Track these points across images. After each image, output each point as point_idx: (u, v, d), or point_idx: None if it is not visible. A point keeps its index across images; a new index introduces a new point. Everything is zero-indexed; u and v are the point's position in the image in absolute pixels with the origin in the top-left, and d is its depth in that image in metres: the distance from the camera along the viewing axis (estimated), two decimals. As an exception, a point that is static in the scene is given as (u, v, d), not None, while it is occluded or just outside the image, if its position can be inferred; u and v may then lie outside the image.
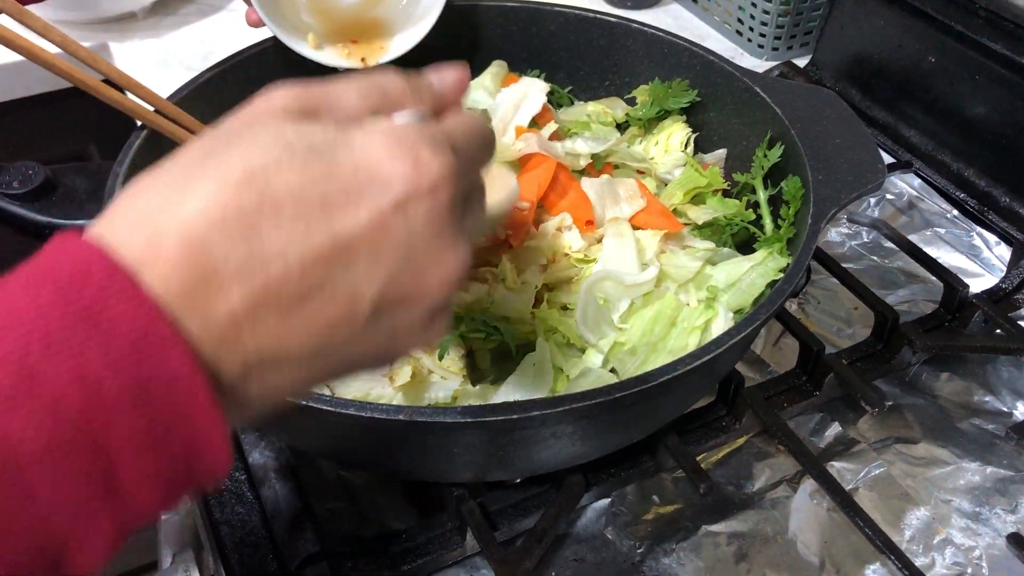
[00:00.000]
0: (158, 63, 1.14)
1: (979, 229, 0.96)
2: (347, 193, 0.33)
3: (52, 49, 0.63)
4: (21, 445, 0.27)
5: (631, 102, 0.88)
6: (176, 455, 0.31)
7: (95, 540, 0.30)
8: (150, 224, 0.31)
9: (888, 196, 1.01)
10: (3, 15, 0.69)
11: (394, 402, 0.63)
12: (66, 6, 1.16)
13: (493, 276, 0.67)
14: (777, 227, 0.71)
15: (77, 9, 1.18)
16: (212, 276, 0.31)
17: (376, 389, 0.64)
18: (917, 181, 1.02)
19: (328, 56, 0.80)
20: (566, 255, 0.69)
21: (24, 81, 1.15)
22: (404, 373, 0.64)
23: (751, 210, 0.74)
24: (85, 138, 1.27)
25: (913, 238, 0.95)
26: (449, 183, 0.34)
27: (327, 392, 0.66)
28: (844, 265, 0.89)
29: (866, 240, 0.98)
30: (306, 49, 0.79)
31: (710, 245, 0.73)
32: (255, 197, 0.31)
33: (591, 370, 0.62)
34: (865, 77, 1.10)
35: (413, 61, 0.86)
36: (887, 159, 1.03)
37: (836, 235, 0.98)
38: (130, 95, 0.69)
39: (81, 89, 0.64)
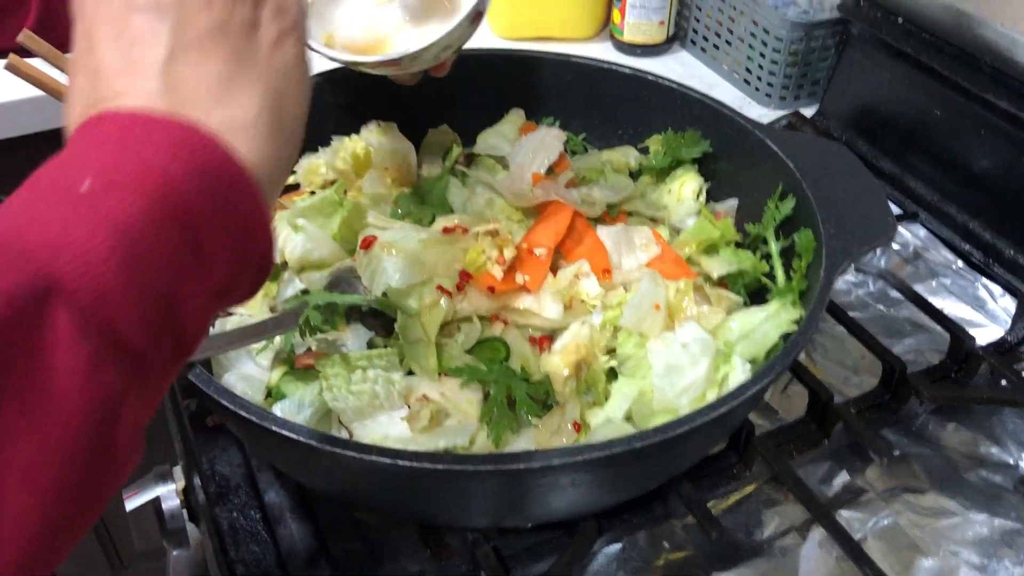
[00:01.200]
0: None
1: (984, 280, 0.97)
2: None
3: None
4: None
5: (644, 151, 0.90)
6: (235, 228, 0.40)
7: (195, 300, 0.39)
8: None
9: (894, 246, 1.03)
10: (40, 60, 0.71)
11: (411, 445, 0.64)
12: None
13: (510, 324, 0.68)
14: (789, 279, 0.72)
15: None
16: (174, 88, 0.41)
17: (395, 432, 0.65)
18: (923, 232, 1.03)
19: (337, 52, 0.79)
20: (582, 301, 0.71)
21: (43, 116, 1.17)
22: (423, 416, 0.65)
23: (764, 261, 0.76)
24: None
25: (919, 288, 0.96)
26: None
27: (345, 435, 0.67)
28: (851, 313, 0.91)
29: (872, 289, 0.99)
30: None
31: (732, 297, 0.74)
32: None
33: (611, 421, 0.63)
34: (872, 128, 1.13)
35: (432, 101, 0.88)
36: (893, 209, 1.05)
37: (843, 283, 1.00)
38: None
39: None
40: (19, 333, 0.33)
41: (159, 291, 0.37)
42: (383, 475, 0.56)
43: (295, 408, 0.68)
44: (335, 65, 0.85)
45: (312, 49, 0.73)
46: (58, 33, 0.77)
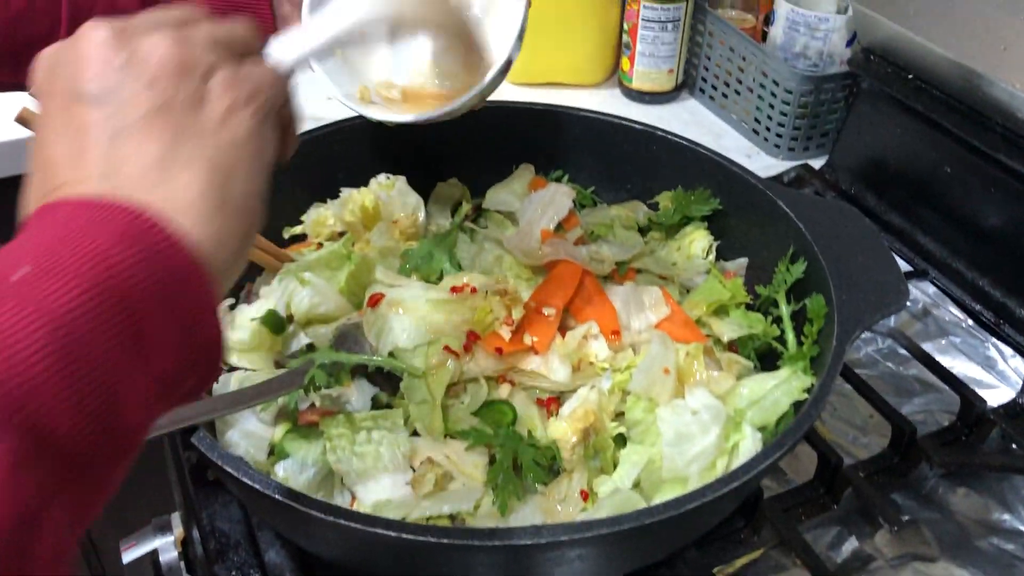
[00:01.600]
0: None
1: (994, 340, 0.97)
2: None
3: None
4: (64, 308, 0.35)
5: (653, 206, 0.90)
6: (179, 314, 0.39)
7: (137, 394, 0.37)
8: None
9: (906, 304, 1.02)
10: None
11: (415, 512, 0.63)
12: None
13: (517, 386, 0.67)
14: (800, 344, 0.71)
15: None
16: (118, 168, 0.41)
17: (398, 495, 0.64)
18: (932, 289, 1.03)
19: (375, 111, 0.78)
20: (591, 363, 0.70)
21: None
22: (427, 481, 0.64)
23: (774, 325, 0.75)
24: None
25: (928, 346, 0.96)
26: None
27: (348, 497, 0.66)
28: (861, 371, 0.90)
29: (882, 346, 0.98)
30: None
31: (743, 362, 0.74)
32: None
33: (619, 490, 0.62)
34: (881, 182, 1.12)
35: (441, 154, 0.88)
36: (903, 266, 1.05)
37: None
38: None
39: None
40: None
41: (96, 384, 0.35)
42: (387, 545, 0.55)
43: (298, 468, 0.67)
44: (350, 114, 0.85)
45: (348, 107, 0.72)
46: None
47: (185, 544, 0.84)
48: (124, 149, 0.42)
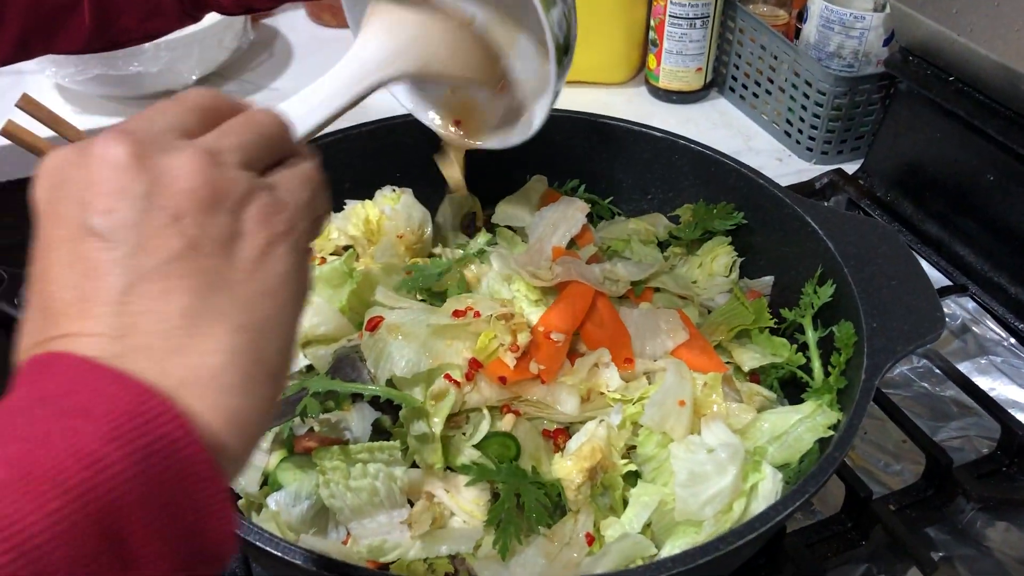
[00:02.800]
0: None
1: (1038, 361, 0.91)
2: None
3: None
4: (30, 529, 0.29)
5: (674, 219, 0.85)
6: (185, 524, 0.33)
7: None
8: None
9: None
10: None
11: (412, 552, 0.60)
12: (110, 83, 1.16)
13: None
14: (827, 374, 0.67)
15: (121, 86, 1.18)
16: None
17: (393, 536, 0.60)
18: (972, 304, 0.97)
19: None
20: (601, 394, 0.66)
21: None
22: (424, 520, 0.60)
23: (800, 353, 0.70)
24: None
25: (966, 366, 0.90)
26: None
27: (343, 532, 0.63)
28: (893, 392, 0.85)
29: (917, 366, 0.93)
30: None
31: (766, 393, 0.69)
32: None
33: (628, 535, 0.58)
34: (918, 189, 1.07)
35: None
36: (940, 280, 0.99)
37: (885, 358, 0.94)
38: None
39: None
40: None
41: None
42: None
43: (291, 500, 0.64)
44: (354, 122, 0.82)
45: (437, 132, 0.69)
46: (117, 34, 0.77)
47: None
48: (141, 302, 0.35)
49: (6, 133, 0.64)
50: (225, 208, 0.36)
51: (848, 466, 0.76)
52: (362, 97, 0.52)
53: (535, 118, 0.65)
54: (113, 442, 0.31)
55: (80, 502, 0.30)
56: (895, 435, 0.85)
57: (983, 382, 0.88)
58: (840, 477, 0.75)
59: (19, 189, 1.22)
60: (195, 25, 0.87)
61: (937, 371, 0.91)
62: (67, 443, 0.31)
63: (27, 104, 0.65)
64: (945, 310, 0.97)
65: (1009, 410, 0.83)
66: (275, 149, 0.40)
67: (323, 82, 0.51)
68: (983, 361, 0.93)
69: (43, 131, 0.77)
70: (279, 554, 0.50)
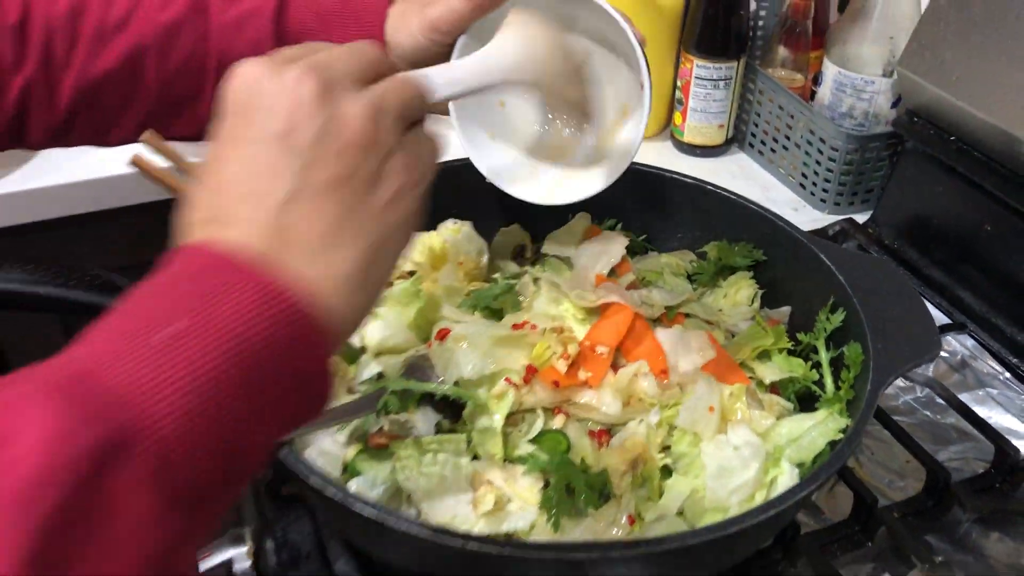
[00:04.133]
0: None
1: (1031, 393, 1.00)
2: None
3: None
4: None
5: (702, 255, 0.95)
6: (300, 383, 0.44)
7: (254, 447, 0.43)
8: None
9: (943, 354, 1.06)
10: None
11: (476, 528, 0.69)
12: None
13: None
14: (837, 388, 0.76)
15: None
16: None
17: (461, 514, 0.70)
18: (971, 342, 1.06)
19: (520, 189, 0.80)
20: (640, 399, 0.76)
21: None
22: (487, 501, 0.69)
23: (814, 370, 0.80)
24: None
25: (965, 396, 0.99)
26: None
27: (415, 513, 0.72)
28: (899, 418, 0.94)
29: (920, 395, 1.02)
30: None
31: (783, 403, 0.79)
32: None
33: (664, 516, 0.67)
34: (923, 238, 1.17)
35: (503, 202, 0.94)
36: (942, 319, 1.09)
37: (892, 389, 1.03)
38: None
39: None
40: (92, 488, 0.36)
41: (220, 443, 0.40)
42: (453, 555, 0.61)
43: (369, 485, 0.73)
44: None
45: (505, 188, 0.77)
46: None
47: (256, 555, 0.91)
48: (298, 209, 0.45)
49: (134, 163, 0.74)
50: (376, 155, 0.47)
51: (857, 478, 0.85)
52: (487, 87, 0.60)
53: (617, 170, 0.75)
54: (256, 324, 0.41)
55: (232, 363, 0.40)
56: (900, 456, 0.94)
57: (981, 411, 0.97)
58: (849, 487, 0.84)
59: (140, 213, 1.35)
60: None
61: (939, 400, 1.00)
62: (222, 320, 0.41)
63: (151, 139, 0.76)
64: (947, 347, 1.07)
65: (1004, 435, 0.92)
66: (416, 112, 0.51)
67: (462, 64, 0.59)
68: (981, 393, 1.02)
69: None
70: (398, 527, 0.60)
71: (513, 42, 0.61)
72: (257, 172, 0.45)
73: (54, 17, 0.78)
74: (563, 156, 0.76)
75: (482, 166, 0.75)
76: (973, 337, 1.07)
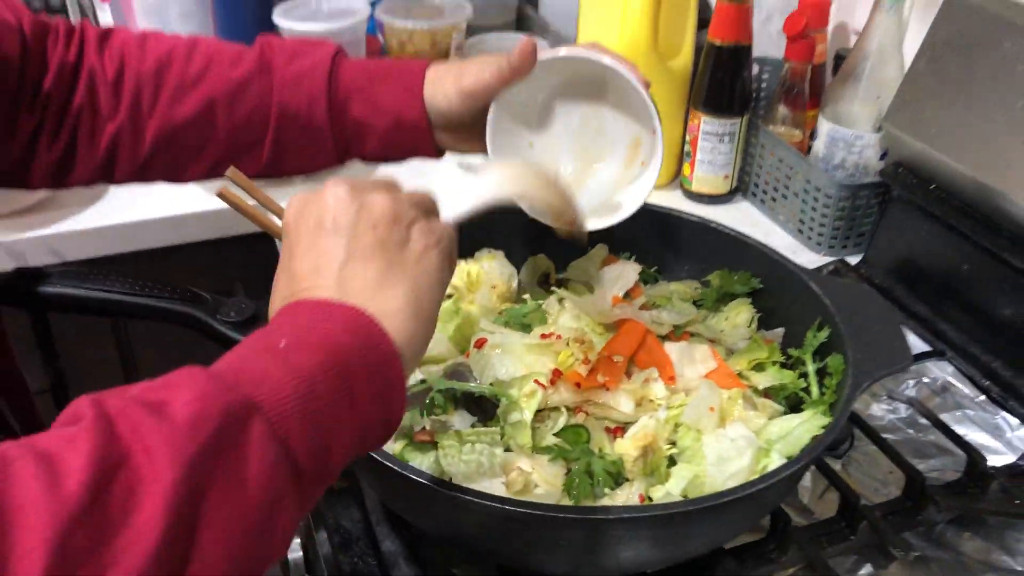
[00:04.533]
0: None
1: (1003, 413, 1.11)
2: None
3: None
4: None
5: (706, 283, 1.08)
6: (381, 388, 0.56)
7: (343, 438, 0.54)
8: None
9: (924, 380, 1.17)
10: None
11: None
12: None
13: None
14: (822, 393, 0.88)
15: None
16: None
17: (496, 493, 0.81)
18: (950, 368, 1.18)
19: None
20: (651, 400, 0.87)
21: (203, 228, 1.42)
22: (518, 483, 0.81)
23: (802, 379, 0.92)
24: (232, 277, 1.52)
25: (944, 416, 1.10)
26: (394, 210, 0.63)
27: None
28: (884, 435, 1.05)
29: (903, 415, 1.13)
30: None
31: (775, 406, 0.90)
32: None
33: (670, 495, 0.79)
34: (909, 277, 1.29)
35: (531, 235, 1.07)
36: (924, 347, 1.20)
37: (878, 410, 1.14)
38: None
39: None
40: (229, 434, 0.47)
41: (321, 423, 0.52)
42: (492, 519, 0.73)
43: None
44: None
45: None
46: (285, 167, 0.96)
47: (305, 545, 1.02)
48: (352, 270, 0.59)
49: (221, 195, 0.86)
50: (401, 224, 0.62)
51: (843, 481, 0.96)
52: (484, 209, 0.72)
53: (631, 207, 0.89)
54: (346, 333, 0.55)
55: (333, 360, 0.53)
56: (884, 467, 1.05)
57: (957, 429, 1.08)
58: (837, 489, 0.95)
59: (226, 245, 1.50)
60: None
61: (921, 420, 1.11)
62: (322, 330, 0.55)
63: (235, 175, 0.88)
64: (928, 372, 1.18)
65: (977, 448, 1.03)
66: (430, 205, 0.67)
67: (458, 202, 0.70)
68: (958, 413, 1.13)
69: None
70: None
71: (497, 178, 0.74)
72: (318, 252, 0.61)
73: (144, 72, 0.92)
74: (584, 193, 0.90)
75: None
76: (952, 364, 1.18)
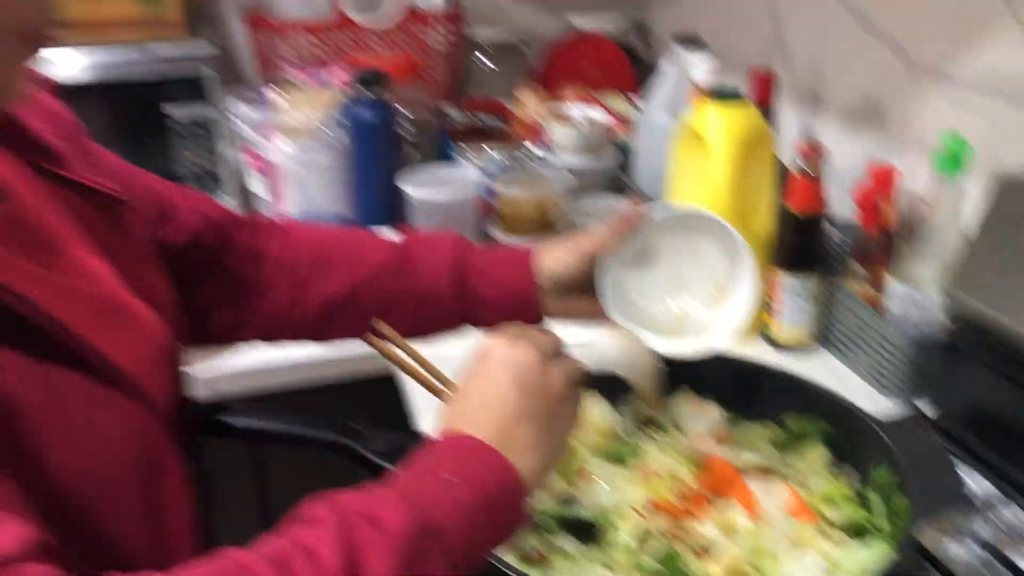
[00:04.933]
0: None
1: (1074, 557, 1.18)
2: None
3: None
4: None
5: (780, 422, 1.20)
6: (511, 525, 0.75)
7: (481, 553, 0.75)
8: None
9: (1000, 525, 1.25)
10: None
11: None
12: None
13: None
14: (886, 527, 0.99)
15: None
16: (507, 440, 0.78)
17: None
18: (1022, 514, 1.26)
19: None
20: (735, 529, 1.00)
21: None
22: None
23: (865, 510, 1.04)
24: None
25: (1018, 560, 1.18)
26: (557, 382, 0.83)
27: None
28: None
29: (979, 553, 1.21)
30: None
31: (845, 537, 1.02)
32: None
33: (752, 605, 0.91)
34: (978, 424, 1.39)
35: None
36: (994, 492, 1.29)
37: (953, 551, 1.22)
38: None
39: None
40: (426, 546, 0.66)
41: (472, 543, 0.70)
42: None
43: (529, 586, 0.99)
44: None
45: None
46: (415, 334, 1.13)
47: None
48: (519, 426, 0.77)
49: (368, 341, 1.04)
50: (566, 403, 0.83)
51: (915, 612, 1.05)
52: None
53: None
54: (493, 479, 0.74)
55: (481, 496, 0.72)
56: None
57: (1026, 568, 1.16)
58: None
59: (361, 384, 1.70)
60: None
61: (995, 563, 1.19)
62: (476, 473, 0.74)
63: (378, 325, 1.07)
64: (1000, 518, 1.27)
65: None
66: (581, 378, 0.86)
67: (594, 350, 0.94)
68: (1029, 555, 1.21)
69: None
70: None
71: (619, 348, 1.01)
72: (498, 398, 0.78)
73: (304, 256, 1.13)
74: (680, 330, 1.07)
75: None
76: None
